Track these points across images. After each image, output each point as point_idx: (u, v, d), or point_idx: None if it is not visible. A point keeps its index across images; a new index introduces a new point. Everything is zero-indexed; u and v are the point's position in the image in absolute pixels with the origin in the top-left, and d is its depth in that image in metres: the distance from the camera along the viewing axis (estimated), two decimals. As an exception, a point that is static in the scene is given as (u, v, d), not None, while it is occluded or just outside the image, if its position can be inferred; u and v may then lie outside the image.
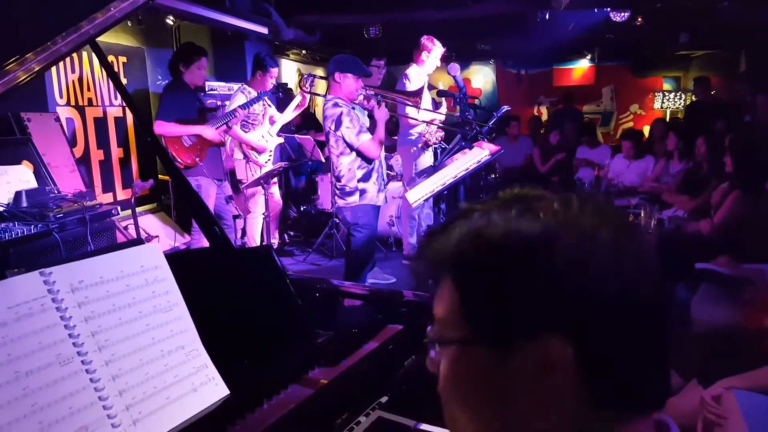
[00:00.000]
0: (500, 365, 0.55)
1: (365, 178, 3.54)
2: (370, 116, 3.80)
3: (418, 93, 4.03)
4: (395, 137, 5.79)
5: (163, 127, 4.02)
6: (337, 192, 3.62)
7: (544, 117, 9.86)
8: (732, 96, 7.51)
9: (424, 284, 0.64)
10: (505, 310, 0.54)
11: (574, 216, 0.56)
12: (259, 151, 4.65)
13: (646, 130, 8.87)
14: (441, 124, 4.70)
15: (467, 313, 0.57)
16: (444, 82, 8.06)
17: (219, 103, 4.98)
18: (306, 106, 5.00)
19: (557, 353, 0.52)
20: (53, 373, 0.86)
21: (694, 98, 7.80)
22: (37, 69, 1.20)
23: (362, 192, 3.54)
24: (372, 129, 3.67)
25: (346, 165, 3.52)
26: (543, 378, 0.53)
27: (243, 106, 4.41)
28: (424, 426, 1.26)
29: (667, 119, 8.96)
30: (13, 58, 1.18)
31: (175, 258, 1.11)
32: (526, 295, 0.53)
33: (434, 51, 4.71)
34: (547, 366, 0.53)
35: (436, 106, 4.89)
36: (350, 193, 3.54)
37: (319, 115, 6.54)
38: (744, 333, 2.23)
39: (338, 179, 3.59)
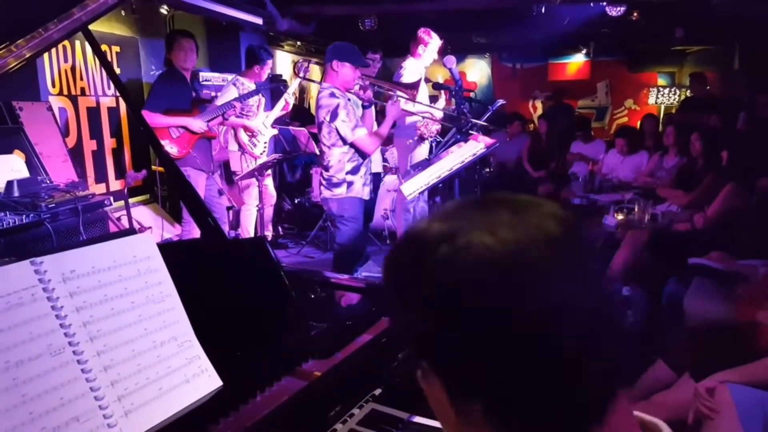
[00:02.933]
0: (428, 382, 0.57)
1: (354, 171, 3.52)
2: (364, 106, 3.78)
3: (415, 86, 4.01)
4: (392, 129, 5.78)
5: (148, 118, 3.98)
6: (324, 182, 3.59)
7: (539, 111, 9.86)
8: (727, 92, 7.53)
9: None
10: (401, 331, 0.57)
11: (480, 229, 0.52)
12: (254, 134, 4.64)
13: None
14: (436, 118, 4.69)
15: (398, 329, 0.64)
16: (441, 75, 8.05)
17: (213, 93, 4.95)
18: (289, 109, 4.98)
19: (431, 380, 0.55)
20: (44, 363, 0.85)
21: (689, 93, 7.82)
22: (28, 56, 1.18)
23: (349, 184, 3.51)
24: (371, 121, 3.65)
25: (337, 156, 3.49)
26: (440, 396, 0.55)
27: (240, 99, 4.39)
28: (417, 418, 1.26)
29: (662, 114, 9.00)
30: (4, 45, 1.16)
31: (168, 248, 1.10)
32: (408, 318, 0.55)
33: (431, 44, 4.69)
34: (428, 385, 0.55)
35: (434, 99, 4.88)
36: (337, 185, 3.52)
37: (313, 108, 6.52)
38: (736, 327, 2.25)
39: (326, 169, 3.56)
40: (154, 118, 3.98)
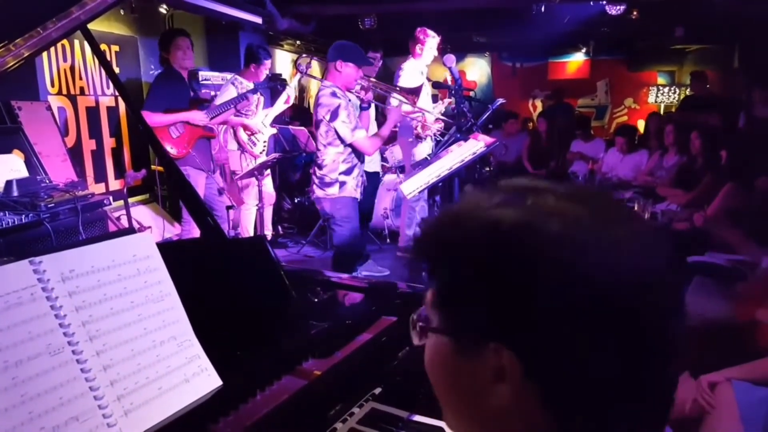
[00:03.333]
0: (461, 361, 0.55)
1: (348, 171, 3.52)
2: (362, 107, 3.78)
3: (416, 91, 4.01)
4: (394, 128, 5.77)
5: (148, 118, 3.97)
6: (317, 181, 3.59)
7: (539, 110, 9.86)
8: (726, 90, 7.53)
9: (417, 271, 0.63)
10: (461, 309, 0.54)
11: (564, 214, 0.51)
12: (254, 132, 4.63)
13: (641, 124, 8.91)
14: (435, 117, 4.68)
15: (435, 303, 0.58)
16: (441, 75, 8.04)
17: (213, 93, 4.95)
18: (291, 104, 4.97)
19: (505, 365, 0.51)
20: (43, 363, 0.85)
21: (688, 92, 7.81)
22: (26, 55, 1.17)
23: (342, 184, 3.51)
24: (368, 121, 3.65)
25: (332, 156, 3.49)
26: (494, 385, 0.52)
27: (239, 98, 4.39)
28: (417, 417, 1.26)
29: (661, 113, 9.00)
30: (2, 44, 1.16)
31: (167, 248, 1.09)
32: (480, 298, 0.52)
33: (429, 42, 4.69)
34: (498, 374, 0.52)
35: (436, 99, 4.88)
36: (330, 184, 3.51)
37: (312, 107, 6.51)
38: (736, 326, 2.25)
39: (319, 167, 3.55)
40: (154, 118, 3.97)
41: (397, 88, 4.29)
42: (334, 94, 3.41)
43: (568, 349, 0.49)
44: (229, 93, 4.53)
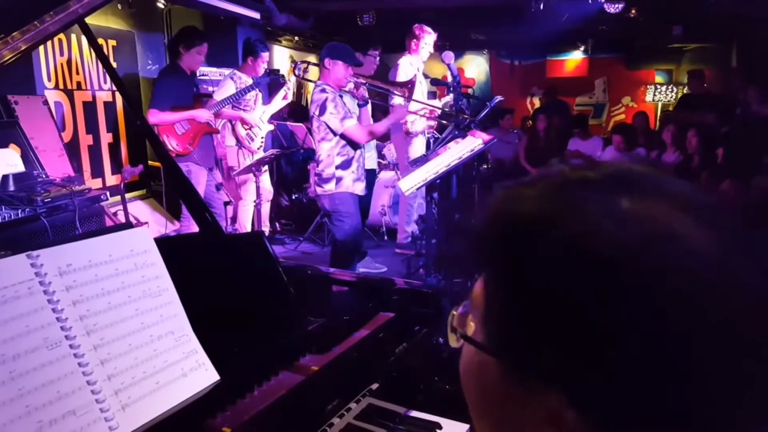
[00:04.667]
0: (507, 386, 0.45)
1: (344, 165, 3.53)
2: (359, 105, 3.79)
3: (407, 84, 4.01)
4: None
5: (156, 116, 3.97)
6: (315, 178, 3.63)
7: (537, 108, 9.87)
8: (724, 89, 7.54)
9: (460, 265, 0.52)
10: (518, 337, 0.43)
11: (680, 237, 0.39)
12: (252, 129, 4.63)
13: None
14: (433, 115, 4.68)
15: (485, 316, 0.47)
16: (439, 72, 8.03)
17: (211, 89, 4.94)
18: (290, 99, 4.97)
19: (564, 416, 0.41)
20: (41, 356, 0.85)
21: (686, 91, 7.83)
22: (23, 48, 1.17)
23: (338, 179, 3.53)
24: (367, 119, 3.66)
25: (326, 151, 3.51)
26: (543, 427, 0.43)
27: (238, 94, 4.39)
28: (414, 413, 1.26)
29: (659, 112, 9.02)
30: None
31: (165, 243, 1.09)
32: (547, 333, 0.41)
33: (426, 38, 4.69)
34: (550, 419, 0.42)
35: (433, 97, 4.88)
36: (327, 180, 3.54)
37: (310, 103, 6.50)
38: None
39: (317, 164, 3.60)
40: (162, 116, 3.98)
41: (389, 83, 4.29)
42: (323, 90, 3.46)
43: (655, 416, 0.39)
44: (228, 88, 4.52)
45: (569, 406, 0.40)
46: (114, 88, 4.61)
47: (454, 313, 0.52)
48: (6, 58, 1.16)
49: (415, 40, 4.69)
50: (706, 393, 0.39)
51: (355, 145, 3.55)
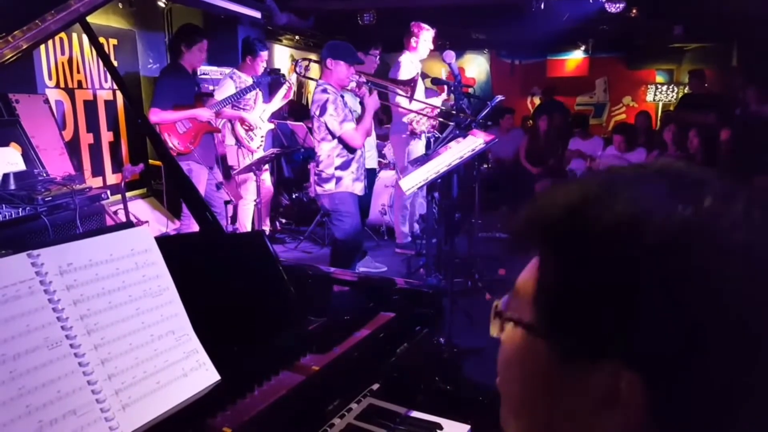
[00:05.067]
0: (556, 370, 0.45)
1: (343, 166, 3.53)
2: (361, 103, 3.78)
3: (409, 82, 4.01)
4: (388, 126, 5.77)
5: (158, 115, 3.97)
6: (315, 178, 3.63)
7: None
8: (725, 89, 7.54)
9: (514, 249, 0.50)
10: (577, 314, 0.43)
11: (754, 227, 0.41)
12: (252, 128, 4.63)
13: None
14: (433, 114, 4.68)
15: (537, 298, 0.47)
16: (440, 71, 8.03)
17: (212, 87, 4.94)
18: (291, 97, 4.97)
19: (622, 389, 0.41)
20: (41, 356, 0.84)
21: (687, 90, 7.82)
22: (25, 47, 1.17)
23: (338, 179, 3.53)
24: (359, 117, 3.66)
25: (326, 151, 3.52)
26: (599, 409, 0.43)
27: (238, 94, 4.39)
28: (414, 413, 1.26)
29: (659, 112, 9.02)
30: (0, 36, 1.15)
31: (165, 242, 1.09)
32: (611, 308, 0.41)
33: (424, 35, 4.68)
34: (609, 398, 0.42)
35: (434, 94, 4.87)
36: (327, 180, 3.54)
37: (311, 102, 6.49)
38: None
39: (317, 164, 3.60)
40: (164, 115, 3.98)
41: (391, 81, 4.29)
42: (324, 91, 3.46)
43: (714, 378, 0.40)
44: (228, 87, 4.52)
45: (631, 376, 0.41)
46: (115, 86, 4.61)
47: (498, 302, 0.52)
48: (7, 57, 1.15)
49: (413, 37, 4.69)
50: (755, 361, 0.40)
51: (351, 148, 3.55)
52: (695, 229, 0.41)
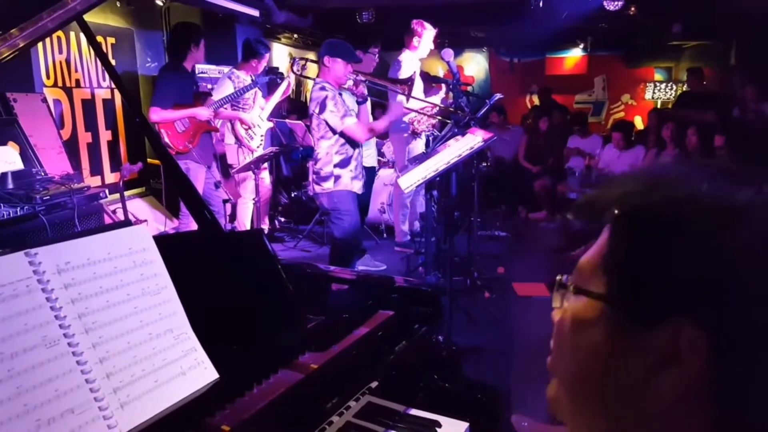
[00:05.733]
0: (619, 337, 0.48)
1: (342, 164, 3.52)
2: (359, 102, 3.78)
3: (407, 81, 4.01)
4: (387, 124, 5.75)
5: (158, 114, 3.97)
6: (314, 177, 3.62)
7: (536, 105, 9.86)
8: (723, 87, 7.55)
9: (586, 224, 0.55)
10: (648, 277, 0.46)
11: None
12: (250, 126, 4.63)
13: (637, 120, 8.92)
14: (432, 112, 4.67)
15: (607, 266, 0.50)
16: (439, 69, 8.03)
17: (209, 86, 4.93)
18: (289, 93, 4.96)
19: (682, 345, 0.44)
20: (39, 355, 0.84)
21: (685, 88, 7.83)
22: (22, 45, 1.16)
23: (336, 178, 3.52)
24: (366, 116, 3.66)
25: (325, 149, 3.51)
26: (658, 370, 0.45)
27: (237, 93, 4.38)
28: (413, 411, 1.26)
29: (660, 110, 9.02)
30: (-2, 34, 1.15)
31: (163, 241, 1.09)
32: (679, 268, 0.45)
33: (425, 34, 4.68)
34: (669, 357, 0.45)
35: (432, 92, 4.86)
36: (325, 178, 3.53)
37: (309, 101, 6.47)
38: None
39: (315, 162, 3.59)
40: (164, 114, 3.97)
41: (389, 80, 4.28)
42: (322, 88, 3.46)
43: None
44: (226, 87, 4.52)
45: (696, 332, 0.44)
46: (113, 85, 4.61)
47: (560, 277, 0.55)
48: (4, 55, 1.15)
49: (415, 36, 4.68)
50: None
51: (354, 144, 3.54)
52: (758, 206, 0.45)
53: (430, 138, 4.66)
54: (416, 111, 4.44)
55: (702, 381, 0.44)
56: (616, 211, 0.50)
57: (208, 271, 1.18)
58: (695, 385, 0.44)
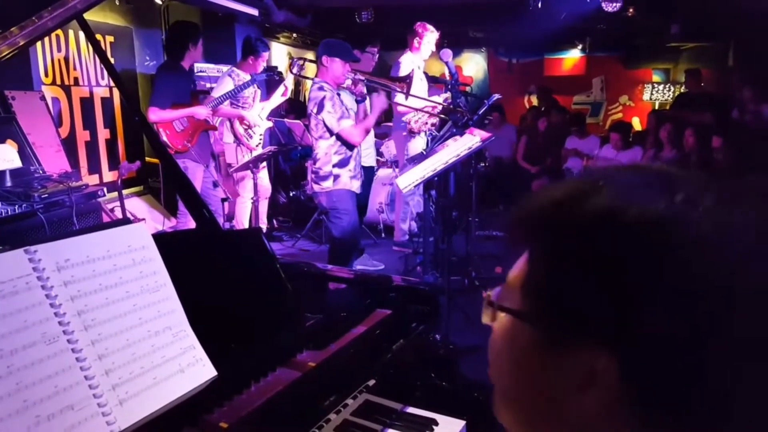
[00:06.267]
0: (542, 355, 0.48)
1: (341, 164, 3.53)
2: (358, 101, 3.78)
3: (405, 79, 4.01)
4: (386, 123, 5.76)
5: (157, 114, 3.96)
6: (313, 176, 3.63)
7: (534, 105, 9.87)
8: (721, 89, 7.56)
9: (509, 245, 0.54)
10: (559, 299, 0.47)
11: (720, 219, 0.43)
12: (251, 126, 4.63)
13: (635, 121, 8.94)
14: (432, 111, 4.68)
15: (525, 286, 0.50)
16: (438, 69, 8.02)
17: (208, 85, 4.93)
18: (288, 96, 4.97)
19: (599, 370, 0.44)
20: (39, 351, 0.85)
21: (683, 90, 7.84)
22: (22, 43, 1.17)
23: (336, 177, 3.53)
24: (365, 115, 3.66)
25: (324, 149, 3.52)
26: (579, 390, 0.46)
27: (237, 90, 4.38)
28: (410, 409, 1.27)
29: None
30: (-2, 32, 1.15)
31: (162, 239, 1.09)
32: (588, 294, 0.44)
33: (427, 37, 4.68)
34: (587, 379, 0.45)
35: (437, 92, 4.86)
36: (324, 178, 3.54)
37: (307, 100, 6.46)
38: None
39: (314, 162, 3.60)
40: (163, 114, 3.97)
41: (387, 78, 4.29)
42: (321, 88, 3.47)
43: (683, 361, 0.42)
44: (226, 85, 4.52)
45: (607, 358, 0.44)
46: (111, 84, 4.61)
47: (490, 292, 0.56)
48: (4, 54, 1.15)
49: (417, 38, 4.69)
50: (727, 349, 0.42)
51: (350, 146, 3.55)
52: (666, 222, 0.43)
53: (430, 137, 4.67)
54: (409, 107, 4.44)
55: (621, 399, 0.44)
56: (529, 235, 0.51)
57: (207, 270, 1.19)
58: (615, 403, 0.44)
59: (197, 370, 1.01)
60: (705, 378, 0.42)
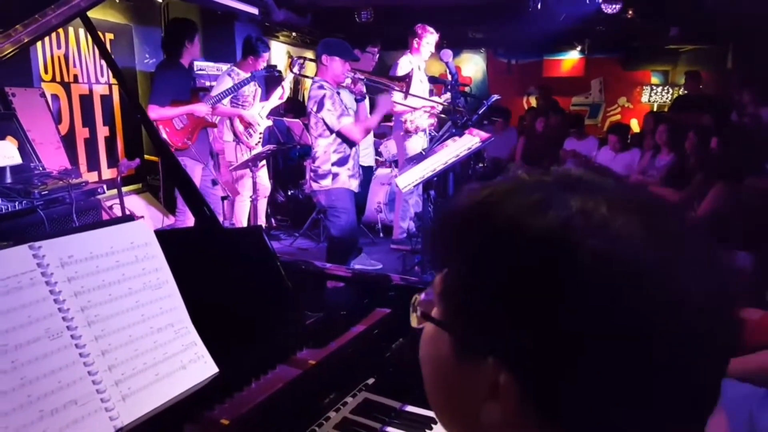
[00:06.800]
0: (457, 362, 0.50)
1: (340, 162, 3.54)
2: (357, 100, 3.79)
3: (404, 78, 4.02)
4: (387, 123, 5.76)
5: (157, 112, 3.97)
6: (312, 174, 3.64)
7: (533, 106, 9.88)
8: (720, 91, 7.59)
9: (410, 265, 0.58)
10: (466, 309, 0.48)
11: (612, 230, 0.43)
12: (251, 125, 4.63)
13: (634, 123, 8.96)
14: (432, 111, 4.69)
15: (444, 296, 0.51)
16: (437, 70, 8.03)
17: (208, 83, 4.93)
18: (285, 99, 4.97)
19: (501, 384, 0.45)
20: (42, 347, 0.86)
21: (682, 92, 7.87)
22: (26, 41, 1.17)
23: (335, 176, 3.54)
24: (365, 114, 3.68)
25: (323, 147, 3.53)
26: (485, 399, 0.47)
27: (236, 87, 4.38)
28: (409, 407, 1.28)
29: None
30: (1, 30, 1.16)
31: (164, 236, 1.10)
32: (490, 306, 0.45)
33: (427, 38, 4.70)
34: (492, 391, 0.46)
35: (439, 93, 4.88)
36: (323, 176, 3.55)
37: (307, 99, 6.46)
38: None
39: (313, 160, 3.61)
40: (162, 112, 3.98)
41: (386, 78, 4.30)
42: (320, 87, 3.48)
43: (580, 378, 0.43)
44: (226, 83, 4.52)
45: (505, 371, 0.45)
46: (111, 81, 4.61)
47: (418, 296, 0.57)
48: (8, 51, 1.16)
49: (416, 39, 4.70)
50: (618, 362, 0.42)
51: (351, 143, 3.56)
52: (557, 237, 0.43)
53: (428, 138, 4.68)
54: (409, 107, 4.44)
55: (522, 412, 0.45)
56: (443, 247, 0.51)
57: (208, 267, 1.20)
58: (517, 416, 0.45)
59: (199, 366, 1.02)
60: (591, 396, 0.43)
